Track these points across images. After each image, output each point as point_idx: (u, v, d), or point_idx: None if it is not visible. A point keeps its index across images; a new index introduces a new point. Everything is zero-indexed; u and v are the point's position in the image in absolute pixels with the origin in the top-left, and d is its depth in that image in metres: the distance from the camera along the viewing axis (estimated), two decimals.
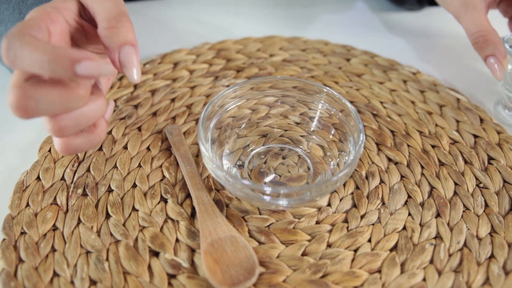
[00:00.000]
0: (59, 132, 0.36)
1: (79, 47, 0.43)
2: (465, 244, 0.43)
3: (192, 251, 0.42)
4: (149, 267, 0.41)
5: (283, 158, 0.50)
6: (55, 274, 0.40)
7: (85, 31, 0.42)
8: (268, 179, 0.48)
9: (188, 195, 0.47)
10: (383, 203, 0.46)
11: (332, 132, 0.50)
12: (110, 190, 0.47)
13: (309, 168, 0.49)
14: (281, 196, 0.41)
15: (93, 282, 0.40)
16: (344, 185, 0.48)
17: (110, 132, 0.52)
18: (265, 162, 0.50)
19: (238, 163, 0.49)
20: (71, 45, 0.41)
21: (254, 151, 0.51)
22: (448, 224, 0.45)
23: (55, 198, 0.46)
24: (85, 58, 0.34)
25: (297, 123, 0.53)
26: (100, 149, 0.51)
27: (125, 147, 0.51)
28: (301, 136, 0.52)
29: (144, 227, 0.44)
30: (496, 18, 0.72)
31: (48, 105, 0.35)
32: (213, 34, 0.70)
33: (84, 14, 0.42)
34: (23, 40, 0.34)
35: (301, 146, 0.51)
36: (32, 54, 0.33)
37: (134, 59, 0.39)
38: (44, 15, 0.38)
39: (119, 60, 0.39)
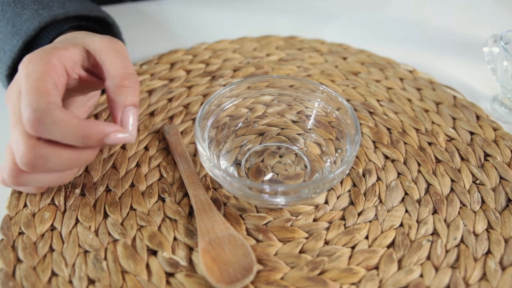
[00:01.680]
0: (31, 168, 0.38)
1: (70, 93, 0.45)
2: (462, 240, 0.43)
3: (190, 249, 0.42)
4: (147, 266, 0.41)
5: (280, 156, 0.50)
6: (53, 273, 0.40)
7: (80, 79, 0.43)
8: (265, 177, 0.48)
9: (186, 194, 0.47)
10: (380, 201, 0.47)
11: (329, 130, 0.50)
12: (108, 190, 0.47)
13: (306, 166, 0.49)
14: (278, 194, 0.41)
15: (91, 281, 0.40)
16: (341, 182, 0.48)
17: None
18: (262, 161, 0.50)
19: (235, 162, 0.50)
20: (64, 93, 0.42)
21: (251, 150, 0.51)
22: (445, 220, 0.45)
23: (53, 198, 0.46)
24: (114, 131, 0.39)
25: (294, 122, 0.53)
26: None
27: (123, 147, 0.51)
28: (298, 134, 0.52)
29: (142, 226, 0.44)
30: (495, 17, 0.72)
31: (56, 165, 0.38)
32: (209, 34, 0.70)
33: (87, 62, 0.43)
34: (54, 117, 0.36)
35: (298, 145, 0.51)
36: (65, 131, 0.37)
37: (133, 121, 0.41)
38: (51, 70, 0.39)
39: (120, 118, 0.41)
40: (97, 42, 0.43)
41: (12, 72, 0.50)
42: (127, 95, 0.41)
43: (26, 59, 0.40)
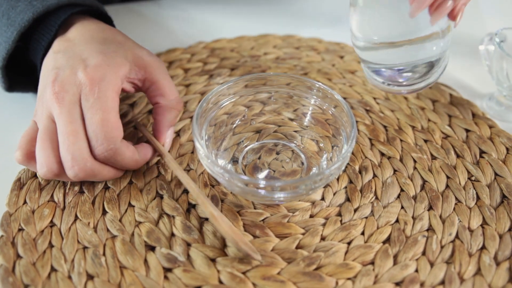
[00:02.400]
0: (77, 179, 0.44)
1: None
2: (457, 236, 0.44)
3: (188, 245, 0.43)
4: (145, 261, 0.42)
5: (277, 153, 0.51)
6: (53, 269, 0.41)
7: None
8: (262, 174, 0.49)
9: (184, 191, 0.47)
10: (376, 197, 0.47)
11: (326, 127, 0.50)
12: (106, 187, 0.47)
13: (302, 163, 0.50)
14: (275, 190, 0.42)
15: (90, 276, 0.40)
16: (338, 179, 0.49)
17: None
18: (259, 158, 0.50)
19: (232, 159, 0.50)
20: None
21: (248, 147, 0.51)
22: (440, 216, 0.45)
23: (52, 195, 0.46)
24: (152, 157, 0.48)
25: (291, 119, 0.53)
26: None
27: None
28: (295, 131, 0.53)
29: (140, 223, 0.44)
30: (490, 15, 0.73)
31: (101, 179, 0.45)
32: (207, 33, 0.71)
33: (134, 75, 0.48)
34: (123, 156, 0.44)
35: (294, 142, 0.52)
36: (127, 165, 0.45)
37: (171, 139, 0.50)
38: (117, 95, 0.45)
39: (166, 136, 0.49)
40: (147, 57, 0.49)
41: (7, 64, 0.51)
42: (176, 116, 0.50)
43: (96, 73, 0.44)
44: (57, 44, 0.48)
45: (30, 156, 0.44)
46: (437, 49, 0.47)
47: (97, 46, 0.47)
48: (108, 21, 0.56)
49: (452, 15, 0.45)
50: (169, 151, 0.51)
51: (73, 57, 0.46)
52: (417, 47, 0.47)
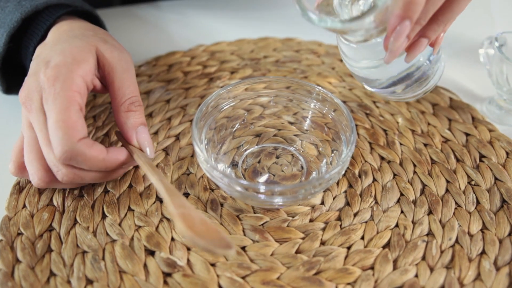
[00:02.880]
0: (70, 184, 0.45)
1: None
2: (456, 241, 0.44)
3: (188, 249, 0.43)
4: (145, 266, 0.41)
5: (277, 157, 0.51)
6: (52, 273, 0.41)
7: (94, 89, 0.48)
8: (262, 178, 0.49)
9: (184, 195, 0.47)
10: (376, 201, 0.47)
11: (325, 131, 0.50)
12: (106, 191, 0.47)
13: (302, 167, 0.50)
14: (274, 194, 0.42)
15: (89, 281, 0.40)
16: (338, 183, 0.49)
17: (106, 134, 0.53)
18: (259, 162, 0.50)
19: (232, 163, 0.50)
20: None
21: (248, 151, 0.51)
22: (440, 221, 0.45)
23: (51, 199, 0.46)
24: (130, 163, 0.45)
25: (291, 123, 0.53)
26: None
27: None
28: (295, 135, 0.53)
29: (139, 227, 0.44)
30: (490, 19, 0.73)
31: (90, 181, 0.44)
32: (207, 36, 0.71)
33: (98, 73, 0.47)
34: (84, 156, 0.40)
35: (294, 145, 0.52)
36: (92, 165, 0.42)
37: (147, 138, 0.45)
38: (75, 94, 0.42)
39: (137, 139, 0.45)
40: (108, 54, 0.46)
41: (2, 66, 0.51)
42: (135, 117, 0.46)
43: (49, 72, 0.42)
44: (36, 50, 0.47)
45: (22, 167, 0.44)
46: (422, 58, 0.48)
47: (62, 46, 0.45)
48: (99, 23, 0.56)
49: (430, 45, 0.46)
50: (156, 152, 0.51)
51: (39, 62, 0.44)
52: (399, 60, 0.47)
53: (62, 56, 0.44)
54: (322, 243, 0.44)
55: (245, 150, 0.51)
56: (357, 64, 0.48)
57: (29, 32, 0.50)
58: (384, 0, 0.37)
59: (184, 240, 0.43)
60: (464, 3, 0.40)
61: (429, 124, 0.55)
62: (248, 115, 0.53)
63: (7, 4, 0.50)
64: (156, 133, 0.54)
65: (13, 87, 0.54)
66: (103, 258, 0.42)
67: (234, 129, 0.52)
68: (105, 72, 0.46)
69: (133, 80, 0.47)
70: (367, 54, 0.46)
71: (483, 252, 0.43)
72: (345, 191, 0.48)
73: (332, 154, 0.49)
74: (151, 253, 0.43)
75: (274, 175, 0.49)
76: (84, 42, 0.46)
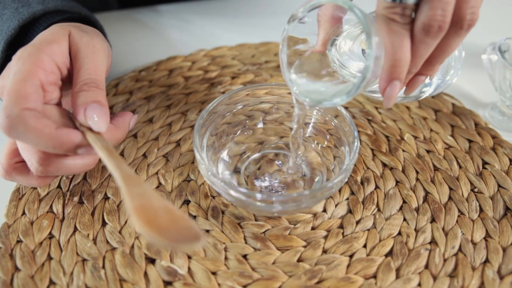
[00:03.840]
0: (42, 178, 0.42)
1: (68, 87, 0.44)
2: (460, 249, 0.43)
3: (189, 258, 0.42)
4: (145, 274, 0.41)
5: (279, 164, 0.50)
6: (51, 282, 0.40)
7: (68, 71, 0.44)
8: (264, 184, 0.48)
9: (184, 202, 0.47)
10: (378, 209, 0.47)
11: (327, 138, 0.50)
12: (106, 198, 0.47)
13: (304, 174, 0.49)
14: (276, 203, 0.41)
15: None
16: (340, 191, 0.48)
17: None
18: (260, 168, 0.50)
19: (234, 170, 0.50)
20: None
21: (250, 158, 0.51)
22: (443, 229, 0.45)
23: (51, 206, 0.46)
24: (87, 144, 0.39)
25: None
26: None
27: (121, 154, 0.51)
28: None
29: (140, 235, 0.44)
30: (493, 25, 0.72)
31: (64, 172, 0.41)
32: (208, 41, 0.70)
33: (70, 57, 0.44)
34: (26, 126, 0.36)
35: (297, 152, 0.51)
36: (37, 139, 0.37)
37: (100, 113, 0.40)
38: (38, 69, 0.39)
39: (84, 115, 0.39)
40: (77, 39, 0.43)
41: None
42: (87, 96, 0.41)
43: (18, 54, 0.41)
44: None
45: (10, 168, 0.42)
46: None
47: (39, 35, 0.44)
48: (97, 28, 0.56)
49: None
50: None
51: None
52: None
53: (33, 41, 0.42)
54: (324, 251, 0.43)
55: (248, 157, 0.51)
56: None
57: (27, 39, 0.50)
58: (370, 71, 0.36)
59: (143, 237, 0.41)
60: (455, 44, 0.39)
61: (431, 130, 0.55)
62: (249, 121, 0.53)
63: (4, 11, 0.49)
64: (156, 139, 0.53)
65: None
66: (103, 266, 0.42)
67: (236, 135, 0.52)
68: (71, 56, 0.43)
69: (96, 66, 0.43)
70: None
71: (487, 261, 0.43)
72: (347, 199, 0.48)
73: (335, 162, 0.49)
74: (151, 261, 0.42)
75: (276, 182, 0.49)
76: (59, 27, 0.44)
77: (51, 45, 0.41)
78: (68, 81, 0.44)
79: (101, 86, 0.42)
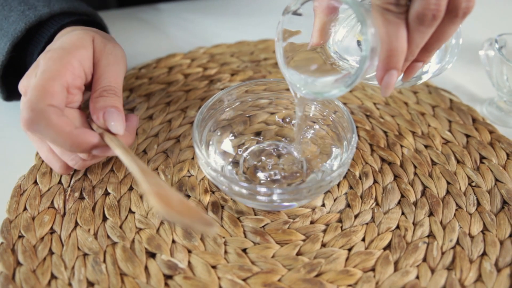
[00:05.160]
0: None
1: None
2: (457, 242, 0.44)
3: (189, 252, 0.43)
4: (146, 268, 0.41)
5: (278, 156, 0.51)
6: (53, 276, 0.41)
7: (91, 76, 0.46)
8: (262, 176, 0.48)
9: (185, 197, 0.47)
10: (377, 203, 0.47)
11: (326, 133, 0.50)
12: (106, 193, 0.47)
13: (303, 166, 0.50)
14: (275, 197, 0.41)
15: (90, 284, 0.40)
16: (338, 185, 0.49)
17: None
18: (260, 161, 0.50)
19: (233, 162, 0.50)
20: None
21: (249, 149, 0.51)
22: (440, 222, 0.45)
23: (52, 202, 0.46)
24: (103, 145, 0.41)
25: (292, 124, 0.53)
26: None
27: None
28: None
29: (140, 229, 0.44)
30: (490, 21, 0.73)
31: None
32: (207, 38, 0.71)
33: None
34: (48, 121, 0.38)
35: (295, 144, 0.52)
36: (57, 136, 0.39)
37: (118, 118, 0.43)
38: (67, 71, 0.42)
39: (103, 117, 0.42)
40: (100, 46, 0.46)
41: (3, 74, 0.51)
42: (105, 101, 0.43)
43: (48, 54, 0.42)
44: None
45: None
46: None
47: (62, 38, 0.46)
48: (103, 29, 0.56)
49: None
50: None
51: (42, 54, 0.44)
52: None
53: (62, 43, 0.44)
54: (323, 245, 0.44)
55: (246, 149, 0.51)
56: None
57: (34, 41, 0.50)
58: (367, 62, 0.36)
59: (160, 217, 0.43)
60: (451, 31, 0.39)
61: (429, 125, 0.55)
62: (248, 117, 0.53)
63: (10, 14, 0.50)
64: (156, 135, 0.54)
65: (13, 95, 0.54)
66: (104, 261, 0.42)
67: (235, 129, 0.52)
68: (94, 62, 0.46)
69: (117, 75, 0.46)
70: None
71: (484, 254, 0.43)
72: (346, 193, 0.48)
73: (333, 156, 0.49)
74: (152, 255, 0.43)
75: (275, 174, 0.49)
76: (84, 32, 0.46)
77: (80, 50, 0.44)
78: (87, 86, 0.46)
79: (119, 94, 0.45)
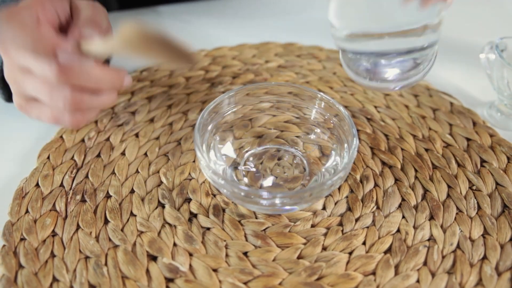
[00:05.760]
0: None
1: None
2: (458, 246, 0.44)
3: (190, 255, 0.43)
4: (147, 271, 0.42)
5: (279, 159, 0.51)
6: (55, 279, 0.41)
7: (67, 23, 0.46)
8: (264, 180, 0.49)
9: (185, 200, 0.47)
10: (377, 206, 0.47)
11: (327, 136, 0.51)
12: (108, 196, 0.47)
13: (304, 169, 0.50)
14: (276, 201, 0.42)
15: (92, 286, 0.41)
16: (339, 188, 0.49)
17: (108, 139, 0.53)
18: (261, 163, 0.50)
19: (233, 165, 0.50)
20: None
21: (249, 152, 0.51)
22: (441, 226, 0.45)
23: (54, 205, 0.46)
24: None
25: (293, 124, 0.53)
26: (98, 155, 0.51)
27: (123, 153, 0.52)
28: (297, 136, 0.53)
29: (142, 232, 0.44)
30: (491, 24, 0.73)
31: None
32: (209, 41, 0.71)
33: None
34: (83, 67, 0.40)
35: (296, 147, 0.52)
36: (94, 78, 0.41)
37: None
38: (37, 3, 0.42)
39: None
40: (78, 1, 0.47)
41: (3, 77, 0.51)
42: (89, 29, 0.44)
43: (13, 10, 0.42)
44: None
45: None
46: (426, 43, 0.45)
47: None
48: None
49: None
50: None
51: None
52: (404, 40, 0.44)
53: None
54: (324, 248, 0.44)
55: (247, 151, 0.51)
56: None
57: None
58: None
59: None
60: None
61: (430, 129, 0.55)
62: (249, 121, 0.53)
63: None
64: (157, 138, 0.54)
65: None
66: (106, 264, 0.42)
67: (236, 132, 0.52)
68: (72, 13, 0.46)
69: (99, 15, 0.47)
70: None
71: (485, 257, 0.43)
72: (347, 196, 0.48)
73: (334, 160, 0.49)
74: (153, 258, 0.43)
75: (276, 177, 0.49)
76: None
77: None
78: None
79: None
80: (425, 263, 0.43)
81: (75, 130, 0.54)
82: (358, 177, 0.50)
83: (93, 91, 0.43)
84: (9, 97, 0.54)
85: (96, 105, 0.44)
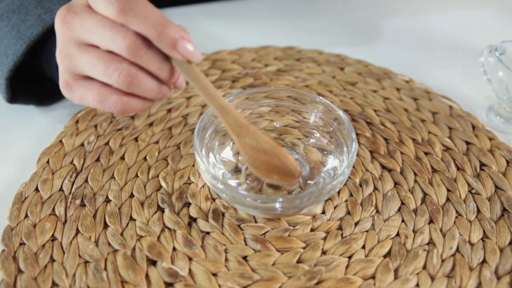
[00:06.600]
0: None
1: None
2: (457, 250, 0.44)
3: (189, 259, 0.43)
4: (147, 276, 0.42)
5: None
6: (54, 284, 0.41)
7: None
8: (265, 183, 0.49)
9: (185, 204, 0.47)
10: (377, 210, 0.47)
11: (327, 140, 0.51)
12: (107, 200, 0.48)
13: (305, 172, 0.50)
14: (275, 205, 0.42)
15: None
16: (338, 192, 0.49)
17: (107, 143, 0.53)
18: None
19: (234, 170, 0.50)
20: None
21: None
22: (440, 230, 0.45)
23: (53, 209, 0.46)
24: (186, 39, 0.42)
25: (293, 127, 0.53)
26: (98, 159, 0.51)
27: (122, 158, 0.52)
28: (297, 139, 0.53)
29: (141, 237, 0.44)
30: (490, 28, 0.73)
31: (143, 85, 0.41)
32: (208, 45, 0.71)
33: None
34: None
35: (297, 150, 0.52)
36: (152, 13, 0.39)
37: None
38: None
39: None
40: None
41: (12, 76, 0.51)
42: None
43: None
44: None
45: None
46: None
47: None
48: None
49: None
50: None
51: None
52: None
53: None
54: (323, 252, 0.44)
55: None
56: None
57: (50, 43, 0.51)
58: None
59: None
60: None
61: (429, 132, 0.56)
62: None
63: (27, 17, 0.50)
64: (157, 142, 0.54)
65: (18, 97, 0.55)
66: (105, 268, 0.42)
67: None
68: None
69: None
70: None
71: (484, 261, 0.43)
72: (346, 200, 0.48)
73: (334, 164, 0.49)
74: (153, 263, 0.43)
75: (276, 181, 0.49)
76: None
77: None
78: None
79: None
80: (424, 267, 0.43)
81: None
82: (357, 181, 0.50)
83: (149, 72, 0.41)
84: (12, 98, 0.54)
85: (148, 90, 0.41)
